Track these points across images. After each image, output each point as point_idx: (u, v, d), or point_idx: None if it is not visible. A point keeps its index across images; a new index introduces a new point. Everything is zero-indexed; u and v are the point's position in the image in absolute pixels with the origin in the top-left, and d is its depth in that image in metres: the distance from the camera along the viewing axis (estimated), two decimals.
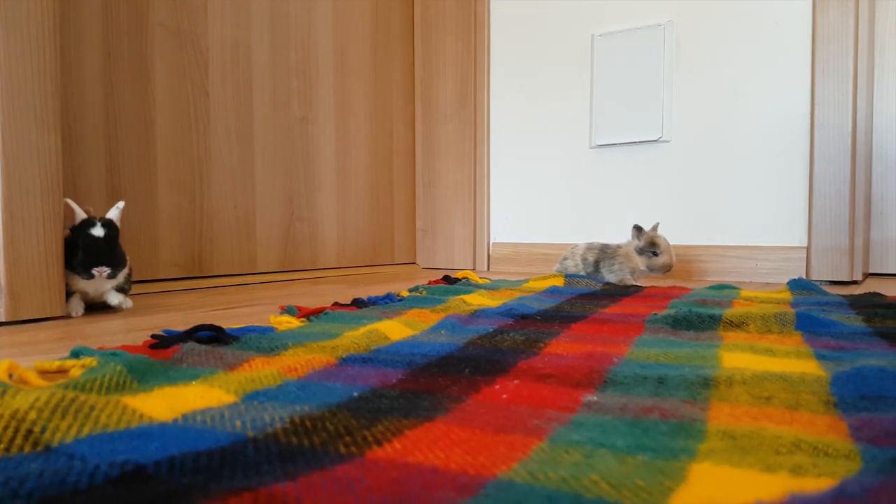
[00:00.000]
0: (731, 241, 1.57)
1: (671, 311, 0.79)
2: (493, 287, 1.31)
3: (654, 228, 1.42)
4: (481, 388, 0.48)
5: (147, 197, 1.30)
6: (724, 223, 1.58)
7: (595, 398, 0.44)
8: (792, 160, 1.49)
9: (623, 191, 1.74)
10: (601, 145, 1.76)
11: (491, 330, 0.76)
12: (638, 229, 1.40)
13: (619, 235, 1.74)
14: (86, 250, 0.93)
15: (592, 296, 1.15)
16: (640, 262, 1.40)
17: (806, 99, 1.46)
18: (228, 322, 0.91)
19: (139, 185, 1.29)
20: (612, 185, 1.76)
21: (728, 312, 0.77)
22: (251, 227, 1.52)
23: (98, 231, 0.94)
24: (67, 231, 0.95)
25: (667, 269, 1.39)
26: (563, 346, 0.65)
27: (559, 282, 1.37)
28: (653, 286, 1.30)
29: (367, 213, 1.91)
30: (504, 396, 0.45)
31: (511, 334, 0.73)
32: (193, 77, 1.39)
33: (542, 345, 0.66)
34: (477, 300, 1.07)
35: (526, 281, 1.42)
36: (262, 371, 0.52)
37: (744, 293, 1.10)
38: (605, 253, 1.45)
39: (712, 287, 1.19)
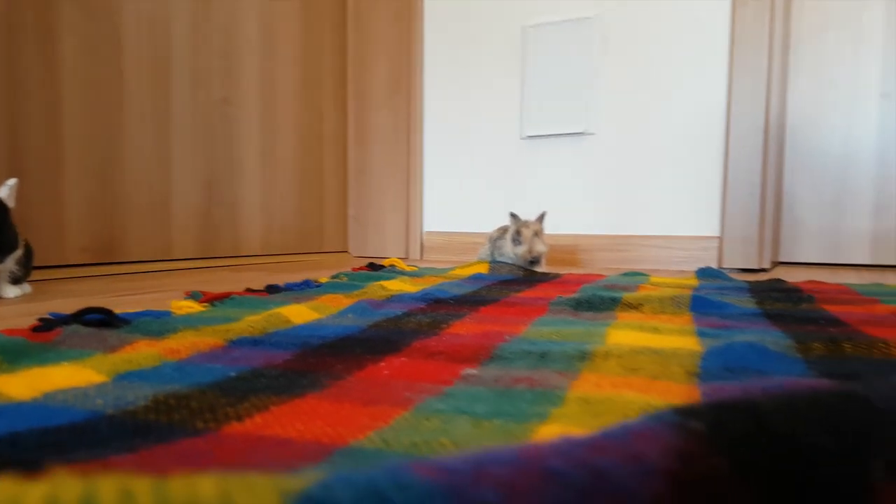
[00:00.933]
0: (650, 230, 1.61)
1: (576, 295, 0.80)
2: (418, 274, 1.31)
3: (539, 218, 1.38)
4: (367, 366, 0.48)
5: (53, 179, 1.25)
6: (645, 214, 1.62)
7: (475, 372, 0.45)
8: (709, 154, 1.54)
9: (552, 181, 1.76)
10: (531, 136, 1.78)
11: (399, 313, 0.76)
12: (513, 216, 1.38)
13: (545, 225, 1.76)
14: None
15: (513, 282, 1.16)
16: (510, 250, 1.40)
17: (724, 95, 1.51)
18: (132, 308, 0.88)
19: (45, 166, 1.23)
20: (542, 175, 1.78)
21: (628, 295, 0.79)
22: (167, 211, 1.48)
23: None
24: None
25: (528, 260, 1.35)
26: (465, 327, 0.66)
27: (483, 269, 1.38)
28: (570, 273, 1.33)
29: (295, 199, 1.88)
30: (385, 373, 0.45)
31: (418, 317, 0.73)
32: (106, 54, 1.34)
33: (444, 326, 0.67)
34: (396, 286, 1.07)
35: (452, 268, 1.43)
36: (140, 353, 0.51)
37: (653, 279, 1.13)
38: (500, 234, 1.46)
39: (625, 274, 1.21)
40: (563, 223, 1.74)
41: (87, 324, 0.63)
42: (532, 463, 0.16)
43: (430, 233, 1.98)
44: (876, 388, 0.23)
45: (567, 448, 0.16)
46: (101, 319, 0.64)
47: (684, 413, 0.19)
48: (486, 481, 0.15)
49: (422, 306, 0.83)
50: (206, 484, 0.14)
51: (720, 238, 1.51)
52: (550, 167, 1.76)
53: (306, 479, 0.14)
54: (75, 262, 1.29)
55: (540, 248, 1.35)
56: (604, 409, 0.35)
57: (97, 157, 1.33)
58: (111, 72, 1.35)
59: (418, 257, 1.99)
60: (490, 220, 1.86)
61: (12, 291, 0.95)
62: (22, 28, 1.19)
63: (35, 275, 1.09)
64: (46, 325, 0.61)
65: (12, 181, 0.94)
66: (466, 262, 1.81)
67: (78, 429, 0.34)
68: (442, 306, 0.83)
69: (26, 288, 1.00)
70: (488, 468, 0.15)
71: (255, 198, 1.73)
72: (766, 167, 1.46)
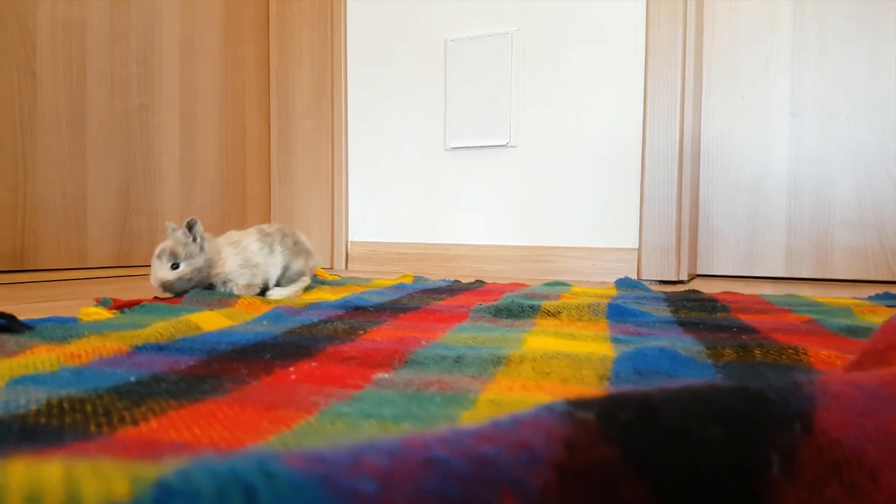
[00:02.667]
0: (572, 242, 1.64)
1: (496, 302, 0.81)
2: (340, 283, 1.30)
3: (186, 230, 0.97)
4: (275, 371, 0.47)
5: None
6: (567, 225, 1.65)
7: (387, 376, 0.44)
8: (627, 167, 1.58)
9: (476, 193, 1.77)
10: (455, 148, 1.79)
11: (316, 320, 0.74)
12: (170, 228, 0.99)
13: (467, 235, 1.77)
14: None
15: (435, 291, 1.16)
16: None
17: (640, 110, 1.56)
18: (42, 316, 0.84)
19: None
20: (466, 187, 1.79)
21: (547, 303, 0.80)
22: (81, 218, 1.42)
23: None
24: None
25: (158, 284, 0.95)
26: (382, 333, 0.65)
27: (408, 279, 1.37)
28: (494, 282, 1.34)
29: (217, 206, 1.83)
30: (293, 377, 0.44)
31: (335, 323, 0.71)
32: (18, 56, 1.28)
33: (361, 332, 0.66)
34: (316, 295, 1.05)
35: (375, 278, 1.41)
36: (38, 357, 0.48)
37: (574, 289, 1.15)
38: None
39: (547, 284, 1.23)
40: (488, 234, 1.75)
41: None
42: (413, 452, 0.15)
43: (354, 242, 1.96)
44: (772, 383, 0.24)
45: (452, 437, 0.16)
46: (2, 325, 0.61)
47: (575, 403, 0.19)
48: (362, 470, 0.14)
49: (340, 313, 0.82)
50: (52, 469, 0.13)
51: (638, 250, 1.55)
52: (474, 179, 1.77)
53: (165, 466, 0.14)
54: None
55: (162, 274, 0.94)
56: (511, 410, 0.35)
57: (7, 161, 1.26)
58: (24, 74, 1.29)
59: (343, 267, 1.97)
60: (415, 231, 1.86)
61: None
62: None
63: None
64: None
65: None
66: (395, 272, 1.80)
67: None
68: (361, 313, 0.82)
69: None
70: (366, 457, 0.15)
71: (174, 205, 1.68)
72: (682, 180, 1.51)
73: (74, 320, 0.71)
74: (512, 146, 1.71)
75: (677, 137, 1.49)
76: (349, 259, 1.97)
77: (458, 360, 0.48)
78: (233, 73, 1.88)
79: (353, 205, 1.97)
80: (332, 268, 1.98)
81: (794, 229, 1.60)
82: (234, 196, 1.90)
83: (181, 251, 0.95)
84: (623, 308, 0.77)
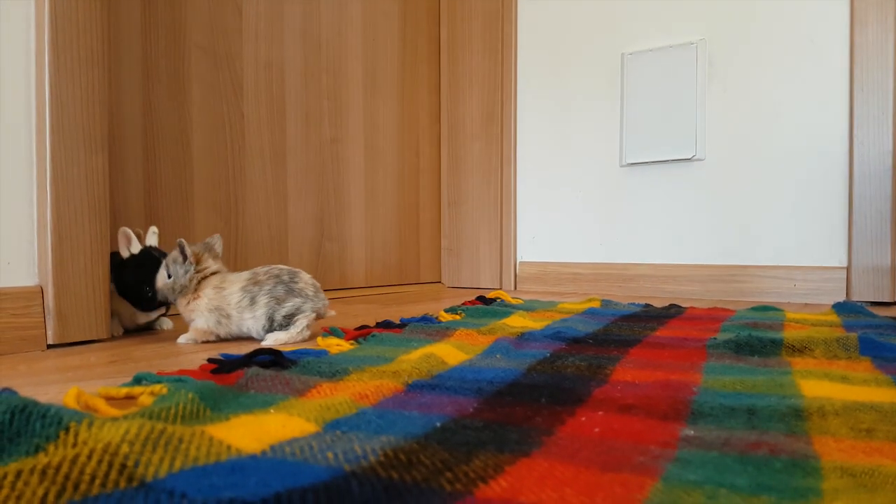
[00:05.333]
0: (767, 260, 1.55)
1: (730, 336, 0.78)
2: (528, 308, 1.30)
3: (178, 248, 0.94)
4: (565, 419, 0.47)
5: (183, 217, 1.30)
6: (761, 242, 1.57)
7: (692, 432, 0.43)
8: (829, 178, 1.48)
9: (654, 209, 1.72)
10: (632, 164, 1.76)
11: (548, 354, 0.75)
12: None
13: (647, 254, 1.73)
14: (155, 291, 0.93)
15: (634, 317, 1.14)
16: None
17: (844, 117, 1.45)
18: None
19: (176, 204, 1.29)
20: (643, 203, 1.74)
21: (787, 336, 0.76)
22: (283, 247, 1.52)
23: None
24: (127, 253, 0.95)
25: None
26: (632, 374, 0.64)
27: (595, 303, 1.36)
28: (692, 307, 1.29)
29: (394, 232, 1.90)
30: (596, 430, 0.44)
31: (571, 359, 0.71)
32: (229, 98, 1.40)
33: (607, 371, 0.65)
34: (519, 322, 1.06)
35: (560, 302, 1.41)
36: (335, 398, 0.52)
37: (789, 315, 1.09)
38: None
39: (755, 308, 1.17)
40: (670, 252, 1.70)
41: (260, 365, 0.64)
42: None
43: (524, 263, 1.97)
44: None
45: None
46: (270, 360, 0.66)
47: None
48: None
49: (563, 346, 0.82)
50: None
51: (847, 268, 1.44)
52: (654, 195, 1.73)
53: None
54: None
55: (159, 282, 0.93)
56: (874, 483, 0.33)
57: (222, 195, 1.38)
58: (233, 114, 1.41)
59: (512, 287, 1.98)
60: (586, 250, 1.84)
61: (166, 324, 1.03)
62: (157, 77, 1.25)
63: None
64: (223, 366, 0.63)
65: (155, 229, 0.99)
66: (566, 292, 1.79)
67: (331, 489, 0.34)
68: (584, 347, 0.81)
69: (169, 323, 1.04)
70: None
71: (360, 232, 1.76)
72: None
73: (325, 353, 0.76)
74: (698, 159, 1.65)
75: (890, 147, 1.37)
76: (518, 279, 1.98)
77: (752, 413, 0.46)
78: (408, 102, 1.95)
79: (521, 225, 1.98)
80: (500, 288, 2.00)
81: None
82: (409, 220, 1.97)
83: (171, 268, 0.92)
84: (875, 342, 0.72)
